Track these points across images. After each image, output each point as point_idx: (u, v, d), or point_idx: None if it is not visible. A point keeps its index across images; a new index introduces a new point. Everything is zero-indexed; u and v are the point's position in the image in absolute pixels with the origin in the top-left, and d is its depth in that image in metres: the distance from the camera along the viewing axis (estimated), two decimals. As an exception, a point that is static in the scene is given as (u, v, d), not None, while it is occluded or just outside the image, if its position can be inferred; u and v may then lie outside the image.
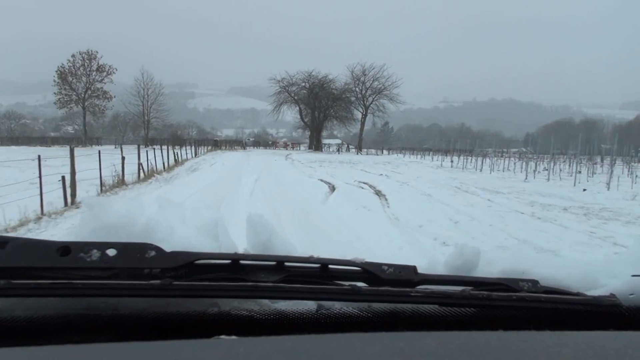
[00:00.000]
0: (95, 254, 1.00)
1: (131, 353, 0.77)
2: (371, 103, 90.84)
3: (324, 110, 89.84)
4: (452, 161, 46.57)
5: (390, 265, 1.11)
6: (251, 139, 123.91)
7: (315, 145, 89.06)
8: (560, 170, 32.34)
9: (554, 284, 1.17)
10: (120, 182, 18.07)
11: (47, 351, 0.77)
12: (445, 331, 0.91)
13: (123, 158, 18.77)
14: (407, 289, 1.04)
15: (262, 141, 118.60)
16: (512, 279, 1.14)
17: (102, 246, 1.01)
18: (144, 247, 1.03)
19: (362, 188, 19.03)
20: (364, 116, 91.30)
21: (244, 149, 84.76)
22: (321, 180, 22.68)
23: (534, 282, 1.13)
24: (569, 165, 37.63)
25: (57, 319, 0.94)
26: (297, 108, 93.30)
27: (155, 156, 26.22)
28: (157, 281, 0.95)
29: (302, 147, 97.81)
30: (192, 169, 29.14)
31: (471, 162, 44.96)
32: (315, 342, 0.84)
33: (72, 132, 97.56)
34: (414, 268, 1.13)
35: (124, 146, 47.18)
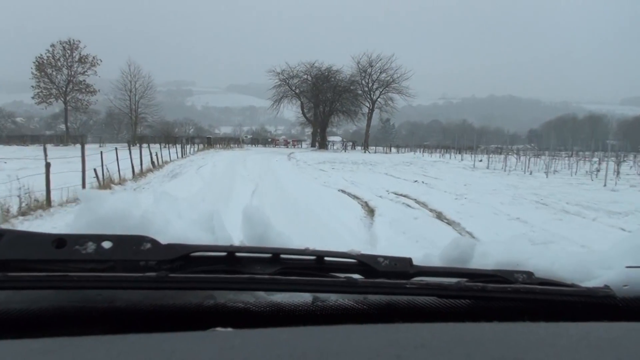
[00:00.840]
0: (91, 246, 1.00)
1: (127, 345, 0.77)
2: (378, 97, 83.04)
3: (330, 104, 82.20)
4: (481, 161, 39.72)
5: (385, 257, 1.11)
6: (249, 136, 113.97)
7: (320, 142, 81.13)
8: (617, 172, 25.15)
9: (549, 276, 1.17)
10: (40, 204, 11.47)
11: (43, 343, 0.77)
12: (440, 322, 0.92)
13: (47, 165, 12.11)
14: (403, 281, 1.05)
15: (261, 139, 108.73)
16: (507, 270, 1.14)
17: (98, 238, 1.01)
18: (139, 240, 1.03)
19: (409, 207, 13.28)
20: (371, 111, 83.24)
21: (241, 147, 76.53)
22: (342, 191, 16.88)
23: (529, 274, 1.13)
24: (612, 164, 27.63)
25: (53, 311, 0.94)
26: (299, 102, 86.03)
27: (120, 159, 19.75)
28: (153, 273, 0.95)
29: (303, 145, 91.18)
30: (172, 174, 23.41)
31: (507, 161, 34.11)
32: (311, 334, 0.84)
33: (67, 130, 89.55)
34: (409, 260, 1.13)
35: (109, 145, 46.20)
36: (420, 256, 1.24)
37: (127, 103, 78.44)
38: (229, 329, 0.86)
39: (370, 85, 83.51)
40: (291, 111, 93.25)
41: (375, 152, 72.49)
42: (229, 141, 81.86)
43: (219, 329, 0.86)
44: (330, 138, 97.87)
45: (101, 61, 71.66)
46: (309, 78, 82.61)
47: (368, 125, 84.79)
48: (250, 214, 1.21)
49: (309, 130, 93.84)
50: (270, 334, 0.83)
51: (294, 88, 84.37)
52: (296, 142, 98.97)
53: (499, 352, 0.79)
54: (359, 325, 0.89)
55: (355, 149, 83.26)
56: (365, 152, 72.35)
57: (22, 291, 0.96)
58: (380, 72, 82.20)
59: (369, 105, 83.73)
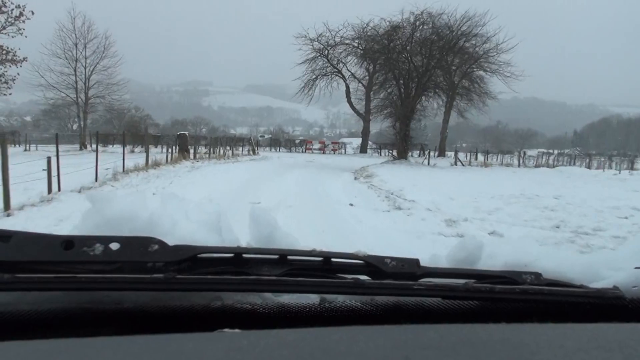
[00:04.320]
0: (99, 247, 1.00)
1: (134, 346, 0.77)
2: (463, 78, 45.00)
3: (421, 75, 38.93)
4: None
5: (393, 259, 1.11)
6: (266, 136, 77.92)
7: (400, 147, 39.89)
8: None
9: (557, 277, 1.16)
10: None
11: (51, 344, 0.78)
12: (448, 324, 0.91)
13: None
14: (410, 282, 1.05)
15: (284, 140, 69.67)
16: (515, 271, 1.14)
17: (105, 240, 1.02)
18: (147, 241, 1.03)
19: None
20: (450, 99, 47.16)
21: (255, 153, 44.30)
22: None
23: (537, 275, 1.13)
24: None
25: (61, 312, 0.94)
26: (341, 85, 52.79)
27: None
28: (160, 275, 0.95)
29: (349, 149, 60.78)
30: None
31: None
32: (318, 336, 0.84)
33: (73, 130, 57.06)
34: (416, 261, 1.13)
35: (45, 147, 32.79)
36: (427, 257, 1.23)
37: (71, 79, 44.92)
38: (236, 330, 0.86)
39: (450, 59, 43.27)
40: (322, 100, 55.37)
41: (469, 165, 39.43)
42: (236, 142, 48.03)
43: (226, 330, 0.86)
44: (352, 140, 68.32)
45: (32, 13, 37.40)
46: (362, 45, 47.03)
47: (446, 121, 49.59)
48: (257, 216, 1.21)
49: (331, 132, 76.62)
50: (278, 335, 0.83)
51: (335, 62, 51.03)
52: (336, 144, 64.05)
53: (507, 354, 0.78)
54: (366, 326, 0.89)
55: (424, 155, 44.96)
56: (455, 163, 39.42)
57: (31, 292, 0.97)
58: (465, 40, 41.90)
59: (446, 91, 46.04)
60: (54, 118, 58.19)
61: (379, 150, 57.56)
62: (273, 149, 59.65)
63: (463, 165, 38.18)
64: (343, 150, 59.95)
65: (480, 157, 47.55)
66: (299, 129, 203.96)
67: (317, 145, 62.39)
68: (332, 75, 52.44)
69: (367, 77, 51.95)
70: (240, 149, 45.52)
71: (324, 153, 56.31)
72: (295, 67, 49.47)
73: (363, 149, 56.95)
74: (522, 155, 47.85)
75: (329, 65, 51.37)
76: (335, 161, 38.59)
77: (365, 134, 57.18)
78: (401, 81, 39.89)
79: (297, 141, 67.30)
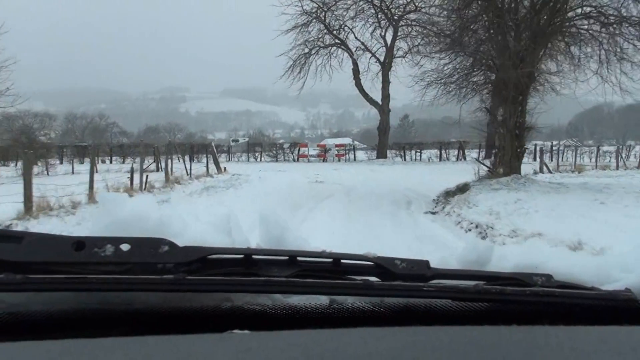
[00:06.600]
0: (109, 248, 1.01)
1: (145, 347, 0.78)
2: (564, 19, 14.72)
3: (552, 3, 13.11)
4: None
5: (403, 260, 1.11)
6: (241, 140, 57.68)
7: (509, 150, 15.52)
8: None
9: (568, 279, 1.16)
10: None
11: (62, 345, 0.78)
12: (458, 326, 0.91)
13: None
14: (420, 284, 1.04)
15: (267, 145, 46.40)
16: (525, 273, 1.13)
17: (116, 241, 1.03)
18: (157, 242, 1.03)
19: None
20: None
21: (219, 170, 22.76)
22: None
23: (548, 277, 1.12)
24: None
25: (72, 313, 0.95)
26: (350, 62, 37.81)
27: None
28: (171, 276, 0.96)
29: (360, 156, 42.76)
30: None
31: None
32: (328, 337, 0.84)
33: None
34: (426, 263, 1.12)
35: None
36: (437, 259, 1.23)
37: None
38: (246, 332, 0.86)
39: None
40: (301, 99, 39.06)
41: (557, 171, 24.33)
42: (194, 152, 36.14)
43: (236, 331, 0.87)
44: (336, 141, 52.30)
45: None
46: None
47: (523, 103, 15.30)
48: (266, 217, 1.21)
49: (312, 133, 62.55)
50: (287, 337, 0.83)
51: (337, 29, 36.58)
52: (341, 147, 44.61)
53: (517, 356, 0.78)
54: (376, 328, 0.89)
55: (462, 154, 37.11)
56: (540, 169, 23.03)
57: (43, 293, 0.97)
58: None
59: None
60: (8, 131, 44.10)
61: (401, 155, 40.90)
62: (252, 157, 42.73)
63: (551, 172, 23.72)
64: (352, 156, 42.27)
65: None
66: (280, 132, 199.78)
67: (314, 151, 44.01)
68: (332, 48, 37.19)
69: (383, 50, 36.38)
70: (206, 160, 24.66)
71: (324, 161, 40.27)
72: (279, 36, 33.51)
73: (381, 153, 38.80)
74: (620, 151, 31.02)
75: (327, 32, 36.21)
76: (358, 177, 22.37)
77: (383, 130, 38.81)
78: (509, 35, 15.48)
79: (285, 145, 46.36)
